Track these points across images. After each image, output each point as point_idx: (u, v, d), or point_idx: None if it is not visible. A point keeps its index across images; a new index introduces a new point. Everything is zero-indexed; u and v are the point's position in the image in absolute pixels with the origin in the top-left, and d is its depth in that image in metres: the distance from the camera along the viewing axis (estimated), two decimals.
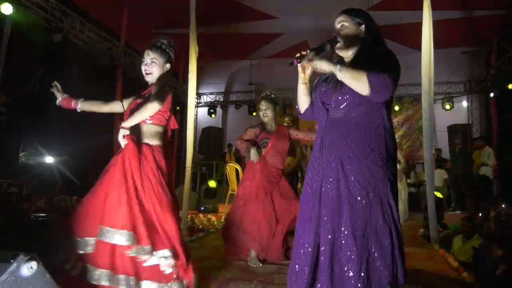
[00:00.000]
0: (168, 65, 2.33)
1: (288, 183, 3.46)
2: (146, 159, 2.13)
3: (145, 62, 2.28)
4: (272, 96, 3.48)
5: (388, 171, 1.70)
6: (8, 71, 5.96)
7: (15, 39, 5.99)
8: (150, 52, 2.27)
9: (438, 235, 4.25)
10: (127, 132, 2.05)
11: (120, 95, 7.88)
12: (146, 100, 2.16)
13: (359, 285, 1.53)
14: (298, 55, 1.79)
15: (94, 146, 6.93)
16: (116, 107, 2.39)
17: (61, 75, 7.64)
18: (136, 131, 2.16)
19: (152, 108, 2.08)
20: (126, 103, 2.35)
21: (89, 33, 7.85)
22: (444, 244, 4.17)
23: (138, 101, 2.23)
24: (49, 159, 7.90)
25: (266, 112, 3.39)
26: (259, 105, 3.49)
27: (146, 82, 2.34)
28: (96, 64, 7.94)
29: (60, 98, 2.39)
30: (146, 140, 2.21)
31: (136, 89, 2.40)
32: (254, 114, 11.82)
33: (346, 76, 1.69)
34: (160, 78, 2.29)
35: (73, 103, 2.36)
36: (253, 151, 3.23)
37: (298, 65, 1.84)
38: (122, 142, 2.07)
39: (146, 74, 2.28)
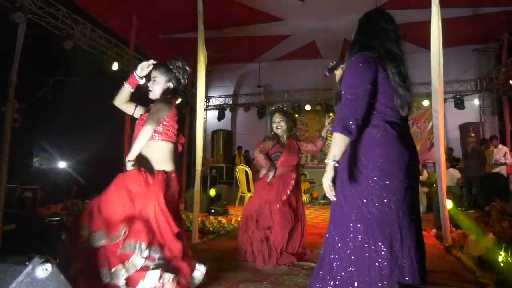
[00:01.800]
0: (170, 84, 2.37)
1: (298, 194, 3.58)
2: (162, 187, 2.16)
3: (150, 80, 2.35)
4: (285, 109, 3.65)
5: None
6: (21, 79, 6.09)
7: (27, 47, 6.12)
8: (154, 70, 2.33)
9: (451, 235, 4.20)
10: (131, 163, 2.08)
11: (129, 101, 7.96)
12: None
13: None
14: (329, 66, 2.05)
15: (106, 151, 7.04)
16: (130, 108, 2.43)
17: (73, 82, 7.79)
18: (146, 149, 2.19)
19: (146, 132, 2.11)
20: (139, 111, 2.40)
21: (100, 40, 7.98)
22: (457, 244, 4.12)
23: (145, 117, 2.27)
24: (62, 164, 8.03)
25: (280, 124, 3.52)
26: (273, 117, 3.57)
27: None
28: (106, 71, 8.06)
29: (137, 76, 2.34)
30: (160, 166, 2.23)
31: (146, 95, 2.42)
32: (263, 117, 11.85)
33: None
34: (162, 96, 2.34)
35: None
36: (271, 175, 3.35)
37: None
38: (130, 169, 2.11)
39: (149, 91, 2.36)
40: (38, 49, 7.03)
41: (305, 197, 9.81)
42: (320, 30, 9.86)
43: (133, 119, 2.43)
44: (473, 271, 2.92)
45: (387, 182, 1.64)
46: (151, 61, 2.30)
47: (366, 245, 1.63)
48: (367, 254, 1.62)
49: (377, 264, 1.60)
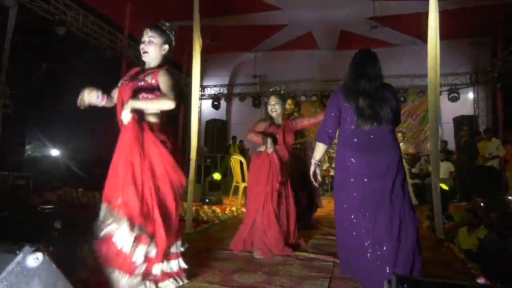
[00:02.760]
0: (166, 46, 2.29)
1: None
2: (147, 133, 2.12)
3: (142, 41, 2.26)
4: (282, 92, 3.57)
5: None
6: (13, 64, 5.98)
7: (19, 32, 6.00)
8: (149, 31, 2.25)
9: (444, 227, 4.24)
10: (130, 111, 2.04)
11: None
12: (151, 87, 2.15)
13: None
14: None
15: (99, 139, 6.97)
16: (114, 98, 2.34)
17: (65, 68, 7.67)
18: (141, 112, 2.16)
19: (167, 105, 2.08)
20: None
21: (93, 26, 7.84)
22: (450, 235, 4.16)
23: (140, 83, 2.18)
24: (55, 152, 7.95)
25: (275, 107, 3.47)
26: (268, 99, 3.55)
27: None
28: (100, 57, 7.94)
29: (100, 99, 2.19)
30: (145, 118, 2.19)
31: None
32: (259, 107, 11.81)
33: None
34: (164, 66, 2.27)
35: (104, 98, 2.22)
36: (270, 142, 3.26)
37: None
38: (126, 118, 2.04)
39: (143, 52, 2.26)
40: (30, 35, 6.89)
41: None
42: (317, 20, 9.78)
43: None
44: (465, 262, 2.95)
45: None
46: (82, 94, 2.17)
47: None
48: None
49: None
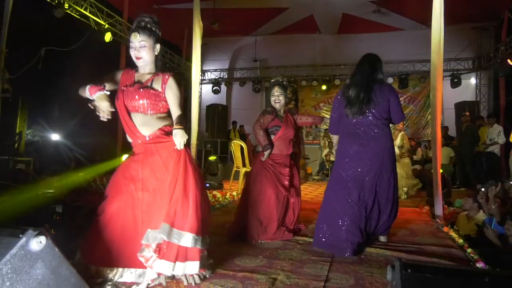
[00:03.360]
0: (158, 46, 2.18)
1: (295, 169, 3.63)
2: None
3: (133, 47, 2.11)
4: (284, 83, 3.56)
5: None
6: (10, 48, 5.90)
7: (16, 17, 5.91)
8: (138, 35, 2.10)
9: (443, 212, 4.26)
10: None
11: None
12: (157, 95, 2.12)
13: None
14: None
15: (100, 123, 6.95)
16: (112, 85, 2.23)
17: (65, 52, 7.59)
18: (143, 121, 2.13)
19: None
20: (116, 79, 2.23)
21: (91, 9, 7.73)
22: (449, 221, 4.19)
23: (150, 91, 2.11)
24: (55, 136, 7.93)
25: (279, 99, 3.46)
26: (271, 90, 3.51)
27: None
28: (99, 41, 7.85)
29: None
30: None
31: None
32: (259, 92, 11.75)
33: None
34: (164, 68, 2.24)
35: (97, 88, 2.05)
36: (266, 154, 3.33)
37: None
38: (180, 144, 2.05)
39: (137, 59, 2.13)
40: (28, 19, 6.79)
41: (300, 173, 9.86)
42: (319, 3, 9.63)
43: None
44: (464, 248, 2.97)
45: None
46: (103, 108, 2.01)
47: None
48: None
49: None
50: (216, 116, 11.70)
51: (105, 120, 2.02)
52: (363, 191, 2.78)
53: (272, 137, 3.43)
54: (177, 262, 1.99)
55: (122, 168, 2.16)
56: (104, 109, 1.98)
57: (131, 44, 2.13)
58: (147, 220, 2.02)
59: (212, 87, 12.27)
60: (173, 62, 11.17)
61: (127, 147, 2.30)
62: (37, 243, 1.24)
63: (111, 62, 8.20)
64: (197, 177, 2.12)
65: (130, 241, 2.01)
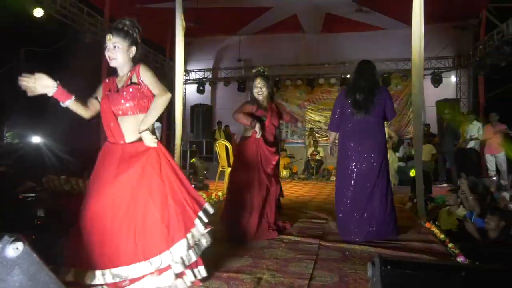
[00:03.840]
0: (133, 48, 2.16)
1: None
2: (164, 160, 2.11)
3: (107, 48, 2.10)
4: (266, 73, 3.50)
5: None
6: None
7: None
8: (111, 36, 2.09)
9: (425, 208, 4.34)
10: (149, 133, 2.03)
11: (105, 73, 7.71)
12: (138, 89, 2.09)
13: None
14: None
15: (82, 124, 6.84)
16: (96, 105, 2.20)
17: (45, 52, 7.44)
18: (132, 126, 2.09)
19: (167, 100, 2.08)
20: (99, 90, 2.21)
21: (71, 9, 7.60)
22: (431, 216, 4.26)
23: (133, 91, 2.10)
24: (35, 139, 7.78)
25: (262, 90, 3.37)
26: (253, 82, 3.42)
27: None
28: (80, 42, 7.72)
29: (54, 90, 2.02)
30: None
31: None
32: (244, 92, 11.75)
33: None
34: (141, 61, 2.20)
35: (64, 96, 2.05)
36: (258, 126, 3.19)
37: None
38: (153, 142, 2.04)
39: (110, 59, 2.11)
40: (7, 19, 6.63)
41: (285, 172, 9.90)
42: (302, 2, 9.68)
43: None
44: (445, 243, 3.03)
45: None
46: (28, 76, 1.97)
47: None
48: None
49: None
50: (201, 116, 11.64)
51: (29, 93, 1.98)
52: (364, 180, 3.21)
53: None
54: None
55: (99, 169, 2.12)
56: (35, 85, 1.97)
57: (105, 45, 2.12)
58: (131, 219, 1.99)
59: (197, 87, 12.20)
60: (157, 62, 11.06)
61: None
62: (14, 249, 1.21)
63: (93, 62, 8.07)
64: (179, 173, 2.13)
65: (110, 241, 1.96)
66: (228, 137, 10.39)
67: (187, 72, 12.43)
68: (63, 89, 2.03)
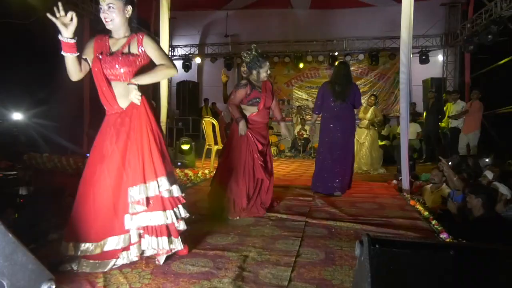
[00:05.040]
0: (129, 8, 2.08)
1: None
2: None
3: (102, 9, 2.04)
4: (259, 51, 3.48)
5: None
6: None
7: None
8: None
9: (410, 186, 4.40)
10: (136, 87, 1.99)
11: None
12: (135, 59, 2.07)
13: None
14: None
15: (65, 99, 6.63)
16: (86, 67, 2.13)
17: (23, 25, 7.12)
18: (124, 92, 2.06)
19: (171, 73, 2.12)
20: (89, 51, 2.13)
21: None
22: (415, 194, 4.33)
23: (130, 58, 2.06)
24: (16, 116, 7.55)
25: (269, 70, 3.45)
26: (258, 63, 3.36)
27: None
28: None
29: (66, 39, 1.94)
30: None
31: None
32: (231, 68, 11.57)
33: None
34: (138, 30, 2.18)
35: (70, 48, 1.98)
36: (241, 126, 3.24)
37: None
38: (138, 98, 2.00)
39: (106, 21, 2.05)
40: None
41: (272, 150, 9.89)
42: None
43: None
44: (429, 220, 3.09)
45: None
46: (71, 13, 1.92)
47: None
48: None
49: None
50: (187, 93, 11.43)
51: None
52: (339, 149, 4.36)
53: (254, 108, 3.36)
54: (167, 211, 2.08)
55: (98, 143, 2.11)
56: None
57: (100, 7, 2.05)
58: (127, 182, 2.04)
59: (183, 63, 11.94)
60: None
61: (94, 124, 2.23)
62: None
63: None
64: (159, 132, 2.16)
65: (107, 212, 2.02)
66: (215, 114, 10.27)
67: (172, 47, 12.12)
68: (75, 43, 1.98)
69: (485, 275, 0.99)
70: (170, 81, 10.84)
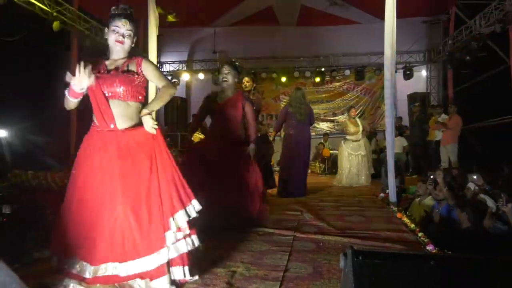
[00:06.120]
0: (135, 38, 2.22)
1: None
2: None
3: (118, 32, 2.10)
4: (237, 64, 3.52)
5: None
6: None
7: None
8: (128, 23, 2.12)
9: (398, 199, 4.45)
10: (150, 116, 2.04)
11: (76, 62, 7.44)
12: (134, 78, 2.09)
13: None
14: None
15: (50, 117, 6.57)
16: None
17: (8, 43, 7.08)
18: (122, 112, 2.05)
19: (173, 93, 2.22)
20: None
21: None
22: (402, 207, 4.38)
23: (130, 76, 2.08)
24: (1, 133, 7.44)
25: (226, 77, 3.40)
26: (222, 68, 3.49)
27: (104, 52, 2.21)
28: (47, 30, 7.39)
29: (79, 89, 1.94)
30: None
31: (93, 58, 2.20)
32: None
33: None
34: (135, 54, 2.24)
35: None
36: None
37: None
38: (153, 130, 2.02)
39: (119, 42, 2.11)
40: None
41: None
42: None
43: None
44: (416, 232, 3.12)
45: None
46: (88, 69, 1.91)
47: None
48: None
49: None
50: (175, 109, 11.45)
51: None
52: (299, 160, 5.44)
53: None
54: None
55: (86, 156, 2.03)
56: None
57: (116, 28, 2.10)
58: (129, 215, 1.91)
59: (171, 79, 11.96)
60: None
61: (81, 141, 2.16)
62: None
63: (60, 54, 7.77)
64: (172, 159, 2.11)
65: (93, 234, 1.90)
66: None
67: (160, 64, 12.18)
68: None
69: (465, 285, 1.02)
70: None
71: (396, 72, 5.92)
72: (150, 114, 2.05)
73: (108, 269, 1.86)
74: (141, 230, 1.88)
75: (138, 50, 10.98)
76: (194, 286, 2.02)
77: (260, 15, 10.90)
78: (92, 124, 2.10)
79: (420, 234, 3.02)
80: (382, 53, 4.54)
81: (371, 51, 10.89)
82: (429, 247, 2.69)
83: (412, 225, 3.33)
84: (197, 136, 6.45)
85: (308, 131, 5.61)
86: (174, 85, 2.21)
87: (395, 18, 4.28)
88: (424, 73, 11.39)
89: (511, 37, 7.00)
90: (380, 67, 10.61)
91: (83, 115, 2.20)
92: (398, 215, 3.82)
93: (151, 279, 1.87)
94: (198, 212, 2.05)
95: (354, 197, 5.29)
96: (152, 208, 1.93)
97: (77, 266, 1.87)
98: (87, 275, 1.86)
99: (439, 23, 10.82)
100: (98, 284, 1.86)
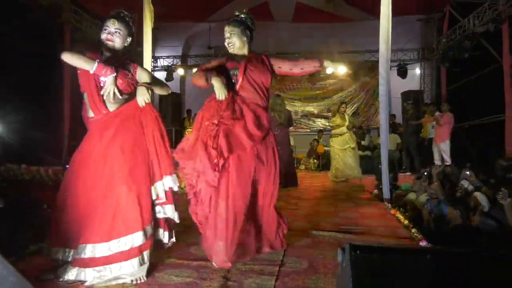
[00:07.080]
0: (129, 39, 2.34)
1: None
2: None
3: (107, 31, 2.22)
4: (242, 16, 2.55)
5: None
6: None
7: None
8: (116, 22, 2.24)
9: (390, 195, 4.50)
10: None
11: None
12: (128, 73, 2.27)
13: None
14: None
15: (43, 109, 6.52)
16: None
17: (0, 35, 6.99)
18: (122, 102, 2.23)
19: (168, 90, 2.52)
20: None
21: None
22: (396, 203, 4.43)
23: (125, 72, 2.25)
24: None
25: (231, 40, 2.45)
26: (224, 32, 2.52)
27: (98, 44, 2.27)
28: (39, 23, 7.30)
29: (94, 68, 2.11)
30: None
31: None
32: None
33: None
34: (131, 58, 2.39)
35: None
36: (217, 85, 2.24)
37: None
38: (143, 101, 2.19)
39: (108, 41, 2.23)
40: None
41: None
42: None
43: (72, 74, 2.27)
44: (409, 228, 3.16)
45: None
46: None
47: None
48: None
49: None
50: (169, 104, 11.40)
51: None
52: (280, 159, 5.15)
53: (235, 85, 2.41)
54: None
55: (83, 147, 2.19)
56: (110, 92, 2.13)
57: (106, 28, 2.23)
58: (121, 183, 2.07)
59: (166, 74, 11.90)
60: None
61: (75, 135, 2.26)
62: None
63: (53, 48, 7.68)
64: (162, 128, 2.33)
65: (95, 216, 2.01)
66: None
67: (155, 58, 12.10)
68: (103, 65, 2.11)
69: (460, 277, 1.04)
70: (152, 92, 10.77)
71: (390, 69, 5.98)
72: (148, 87, 2.20)
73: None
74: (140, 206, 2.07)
75: (133, 44, 10.93)
76: (191, 279, 2.04)
77: (255, 11, 10.84)
78: (89, 120, 2.24)
79: (413, 230, 3.07)
80: (377, 51, 4.57)
81: (366, 48, 10.93)
82: (423, 243, 2.73)
83: (406, 221, 3.38)
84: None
85: (287, 133, 6.32)
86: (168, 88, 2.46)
87: (391, 16, 4.30)
88: (418, 71, 11.47)
89: (504, 37, 7.07)
90: (374, 65, 10.66)
91: (76, 110, 2.25)
92: (392, 211, 3.86)
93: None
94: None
95: (348, 194, 5.33)
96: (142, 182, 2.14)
97: (84, 251, 1.95)
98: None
99: (433, 21, 10.88)
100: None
